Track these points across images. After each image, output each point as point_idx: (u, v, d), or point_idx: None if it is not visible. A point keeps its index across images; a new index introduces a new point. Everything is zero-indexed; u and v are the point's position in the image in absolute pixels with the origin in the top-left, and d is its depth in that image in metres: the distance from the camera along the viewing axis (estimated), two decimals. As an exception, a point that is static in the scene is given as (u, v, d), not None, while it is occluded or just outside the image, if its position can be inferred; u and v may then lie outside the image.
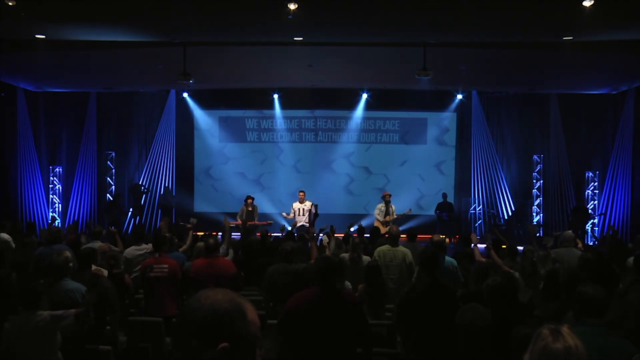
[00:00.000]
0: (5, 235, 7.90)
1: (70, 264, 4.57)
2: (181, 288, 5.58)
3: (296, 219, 11.14)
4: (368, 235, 8.68)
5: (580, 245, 7.54)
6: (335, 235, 7.99)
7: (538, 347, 1.93)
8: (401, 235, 6.84)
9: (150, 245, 6.85)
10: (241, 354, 1.35)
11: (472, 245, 6.62)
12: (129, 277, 5.82)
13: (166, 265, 5.53)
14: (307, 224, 10.80)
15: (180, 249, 7.09)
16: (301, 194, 11.42)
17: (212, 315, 1.34)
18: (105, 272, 5.28)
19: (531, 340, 1.99)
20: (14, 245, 7.80)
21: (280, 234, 9.39)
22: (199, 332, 1.34)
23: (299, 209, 11.23)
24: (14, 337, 3.87)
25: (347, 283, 5.77)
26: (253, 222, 11.04)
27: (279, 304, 4.99)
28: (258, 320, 1.40)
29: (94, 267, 5.19)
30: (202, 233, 9.20)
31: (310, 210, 10.96)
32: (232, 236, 7.67)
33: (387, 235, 7.96)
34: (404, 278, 6.15)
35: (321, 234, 8.42)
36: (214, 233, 8.50)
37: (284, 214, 11.55)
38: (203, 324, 1.34)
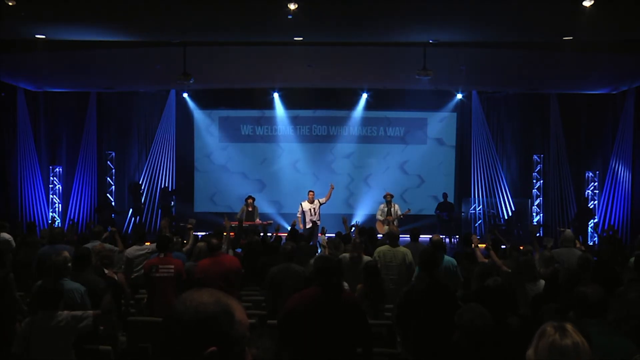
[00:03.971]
0: (6, 235, 7.90)
1: (69, 264, 4.57)
2: (183, 288, 5.57)
3: (307, 219, 11.21)
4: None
5: (579, 245, 7.53)
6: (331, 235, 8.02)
7: (545, 344, 1.92)
8: (401, 235, 6.84)
9: (151, 245, 6.86)
10: (230, 355, 1.30)
11: (473, 246, 6.61)
12: (123, 276, 5.82)
13: (172, 266, 5.55)
14: (319, 222, 10.98)
15: (184, 249, 7.14)
16: (311, 193, 11.46)
17: (197, 318, 1.28)
18: (116, 277, 5.29)
19: (534, 336, 1.99)
20: (14, 245, 7.80)
21: (277, 234, 9.38)
22: (185, 336, 1.28)
23: (310, 209, 11.27)
24: (33, 336, 3.87)
25: (345, 284, 5.76)
26: (253, 222, 11.05)
27: (281, 304, 4.99)
28: (247, 319, 1.36)
29: (107, 270, 5.19)
30: (203, 233, 9.21)
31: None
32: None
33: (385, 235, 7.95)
34: (403, 278, 6.15)
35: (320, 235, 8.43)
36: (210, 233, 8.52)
37: (299, 215, 11.44)
38: (189, 327, 1.28)
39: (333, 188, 11.41)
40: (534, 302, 4.52)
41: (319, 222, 11.15)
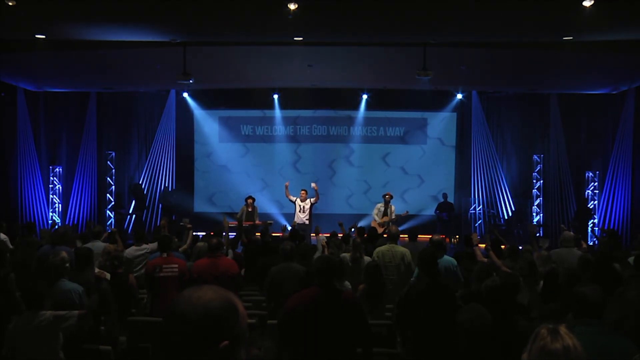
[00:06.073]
0: (1, 235, 7.90)
1: (67, 265, 4.56)
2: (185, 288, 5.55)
3: (296, 218, 11.21)
4: (366, 235, 8.65)
5: (584, 245, 7.53)
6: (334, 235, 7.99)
7: (537, 347, 1.93)
8: (401, 235, 6.84)
9: (150, 245, 6.86)
10: (238, 348, 1.34)
11: (475, 245, 6.60)
12: (133, 277, 5.82)
13: (176, 265, 5.56)
14: (307, 221, 10.92)
15: (180, 249, 7.09)
16: (303, 192, 11.46)
17: (207, 315, 1.31)
18: (108, 275, 5.27)
19: (529, 338, 1.99)
20: (10, 246, 7.80)
21: (280, 234, 9.40)
22: (195, 334, 1.30)
23: (300, 205, 11.29)
24: (17, 337, 3.88)
25: (347, 283, 5.77)
26: (253, 222, 11.05)
27: (281, 304, 4.99)
28: (245, 311, 1.40)
29: (96, 269, 5.18)
30: (202, 233, 9.20)
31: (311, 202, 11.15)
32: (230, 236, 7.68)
33: (385, 235, 7.95)
34: (402, 278, 6.14)
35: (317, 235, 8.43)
36: (212, 233, 8.50)
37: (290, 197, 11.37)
38: (199, 325, 1.30)
39: (316, 188, 11.33)
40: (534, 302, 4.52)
41: (307, 222, 11.09)
